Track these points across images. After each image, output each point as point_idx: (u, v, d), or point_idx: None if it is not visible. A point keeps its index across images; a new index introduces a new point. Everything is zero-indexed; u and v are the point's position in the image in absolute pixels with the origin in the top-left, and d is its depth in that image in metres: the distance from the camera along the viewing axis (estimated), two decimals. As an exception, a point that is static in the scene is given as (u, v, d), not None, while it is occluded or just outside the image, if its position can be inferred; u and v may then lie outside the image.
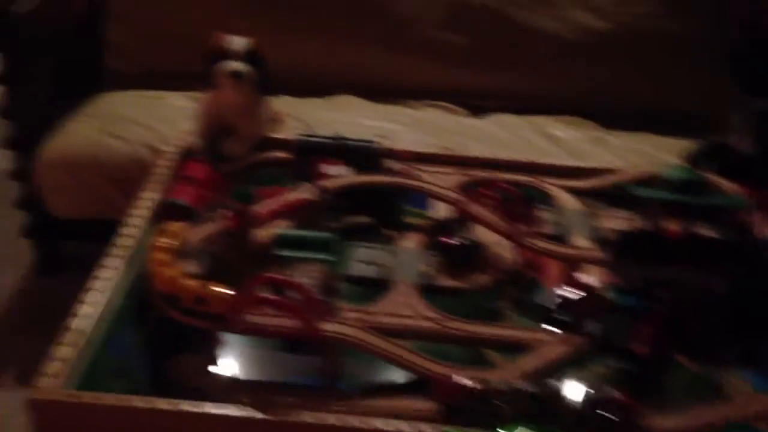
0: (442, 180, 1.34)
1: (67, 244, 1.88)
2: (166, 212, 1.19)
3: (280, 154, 1.43)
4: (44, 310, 1.77)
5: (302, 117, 1.77)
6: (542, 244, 1.16)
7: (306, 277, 1.06)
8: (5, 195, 1.94)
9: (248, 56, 1.40)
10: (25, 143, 1.69)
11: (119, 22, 2.01)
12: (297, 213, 1.23)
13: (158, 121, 1.74)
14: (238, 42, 1.40)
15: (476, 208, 1.22)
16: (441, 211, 1.30)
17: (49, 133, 1.70)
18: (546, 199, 1.34)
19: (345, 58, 2.01)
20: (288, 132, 1.57)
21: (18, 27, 1.64)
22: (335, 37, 2.00)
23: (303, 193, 1.24)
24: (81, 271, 1.85)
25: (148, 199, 1.24)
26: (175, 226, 1.09)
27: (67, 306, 0.98)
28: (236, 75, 1.38)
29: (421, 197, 1.32)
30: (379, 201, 1.32)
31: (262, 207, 1.19)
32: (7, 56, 1.63)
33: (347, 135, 1.40)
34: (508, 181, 1.33)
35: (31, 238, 1.80)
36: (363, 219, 1.30)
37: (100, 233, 1.83)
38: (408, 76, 2.02)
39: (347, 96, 1.99)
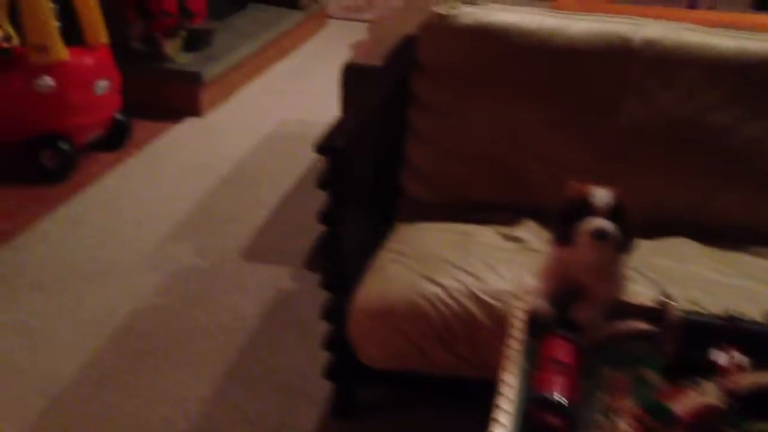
0: None
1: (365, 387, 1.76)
2: (540, 409, 1.00)
3: (642, 326, 1.23)
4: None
5: (639, 268, 1.53)
6: None
7: None
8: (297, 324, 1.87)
9: (612, 212, 1.22)
10: (340, 284, 1.59)
11: (422, 145, 1.91)
12: (699, 422, 0.99)
13: (475, 263, 1.58)
14: (602, 196, 1.23)
15: None
16: None
17: (361, 273, 1.60)
18: None
19: (679, 194, 1.77)
20: (639, 292, 1.36)
21: (344, 163, 1.55)
22: (665, 169, 1.77)
23: (706, 396, 1.00)
24: (378, 417, 1.74)
25: (510, 386, 1.06)
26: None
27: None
28: (602, 236, 1.20)
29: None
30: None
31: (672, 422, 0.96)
32: (331, 193, 1.55)
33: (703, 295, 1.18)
34: None
35: (334, 380, 1.68)
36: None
37: (401, 380, 1.72)
38: (755, 217, 1.74)
39: (680, 238, 1.73)
